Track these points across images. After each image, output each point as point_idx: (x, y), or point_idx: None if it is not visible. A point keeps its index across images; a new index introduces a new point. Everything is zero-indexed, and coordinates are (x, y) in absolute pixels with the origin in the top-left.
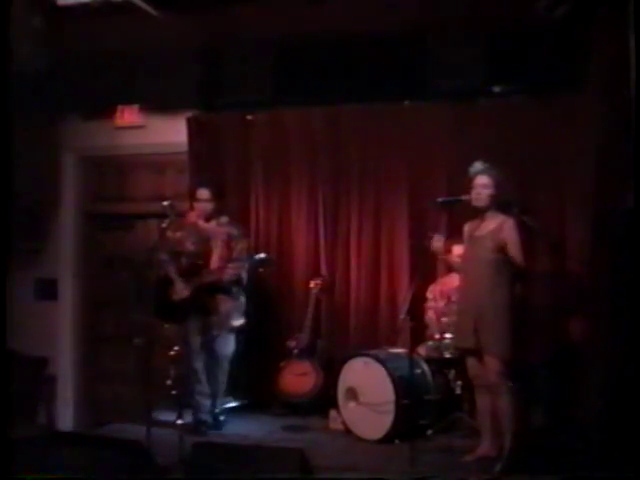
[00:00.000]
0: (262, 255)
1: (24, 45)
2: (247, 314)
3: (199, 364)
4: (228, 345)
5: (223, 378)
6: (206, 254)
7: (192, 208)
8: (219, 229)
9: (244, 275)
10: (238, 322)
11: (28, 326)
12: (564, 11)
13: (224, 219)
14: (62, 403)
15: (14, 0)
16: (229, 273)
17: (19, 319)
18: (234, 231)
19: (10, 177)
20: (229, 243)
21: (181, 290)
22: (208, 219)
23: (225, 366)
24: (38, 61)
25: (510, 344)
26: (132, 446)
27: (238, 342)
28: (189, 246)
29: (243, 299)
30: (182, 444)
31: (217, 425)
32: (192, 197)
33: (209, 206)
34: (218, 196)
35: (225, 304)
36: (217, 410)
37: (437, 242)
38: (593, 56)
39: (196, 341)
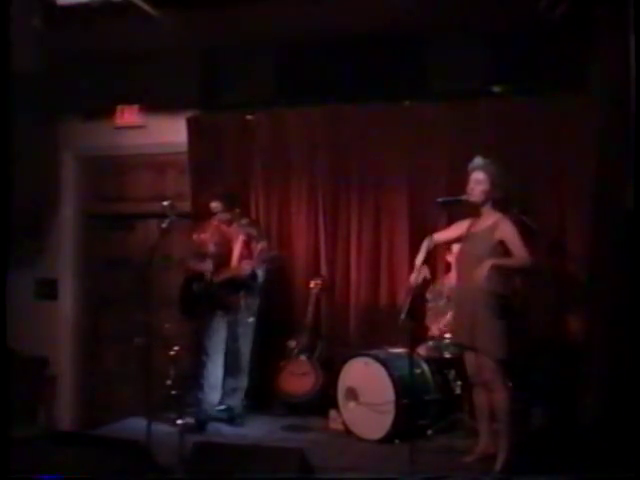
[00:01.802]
0: (272, 253)
1: (24, 45)
2: (257, 313)
3: (212, 362)
4: (249, 344)
5: (244, 380)
6: (227, 255)
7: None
8: (240, 230)
9: (260, 273)
10: (250, 320)
11: (28, 326)
12: (564, 11)
13: (244, 221)
14: (62, 403)
15: (14, 0)
16: (245, 268)
17: (19, 319)
18: (254, 232)
19: (10, 177)
20: (249, 244)
21: (208, 268)
22: (229, 224)
23: (247, 365)
24: (38, 61)
25: (504, 343)
26: (132, 446)
27: None
28: (212, 247)
29: (258, 299)
30: (182, 444)
31: (237, 423)
32: (207, 210)
33: (224, 216)
34: (230, 206)
35: (245, 300)
36: (236, 410)
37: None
38: (593, 56)
39: (217, 338)
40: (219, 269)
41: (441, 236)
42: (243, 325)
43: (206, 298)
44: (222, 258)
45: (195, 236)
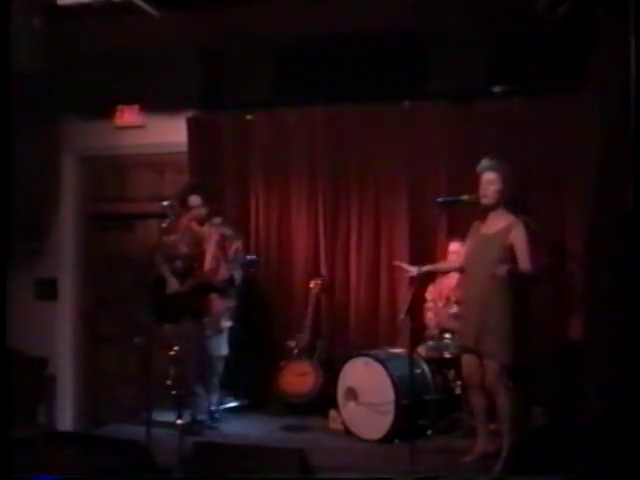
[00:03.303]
0: (250, 256)
1: (24, 45)
2: (237, 316)
3: (194, 364)
4: (220, 347)
5: (214, 379)
6: (200, 256)
7: (185, 212)
8: (212, 230)
9: (237, 276)
10: (226, 324)
11: (28, 326)
12: (564, 11)
13: (217, 220)
14: (62, 403)
15: (14, 0)
16: (221, 273)
17: (19, 319)
18: (227, 232)
19: (10, 177)
20: (222, 244)
21: (173, 286)
22: (202, 223)
23: (217, 367)
24: (38, 61)
25: (511, 348)
26: (132, 446)
27: (237, 343)
28: (183, 248)
29: (234, 301)
30: (182, 444)
31: (213, 424)
32: (184, 205)
33: (202, 211)
34: (209, 201)
35: (218, 305)
36: (213, 410)
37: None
38: (593, 56)
39: (190, 341)
40: (191, 271)
41: (442, 266)
42: (216, 330)
43: (180, 303)
44: (194, 259)
45: (165, 237)
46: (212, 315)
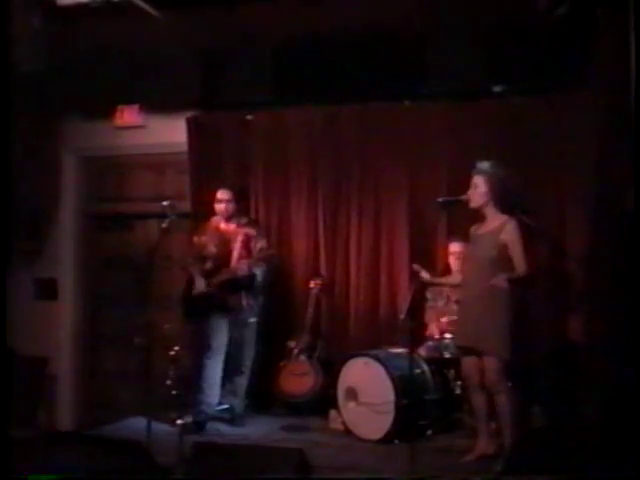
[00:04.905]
0: (267, 252)
1: (24, 45)
2: (260, 314)
3: (212, 363)
4: (253, 345)
5: (244, 380)
6: (227, 255)
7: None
8: (239, 230)
9: (258, 273)
10: (251, 320)
11: (28, 326)
12: (564, 11)
13: (244, 220)
14: (62, 403)
15: (14, 0)
16: (241, 268)
17: (19, 319)
18: (253, 231)
19: (10, 177)
20: (248, 243)
21: (199, 287)
22: (229, 219)
23: (249, 366)
24: (38, 61)
25: (510, 345)
26: (132, 446)
27: None
28: (212, 249)
29: (261, 299)
30: (182, 444)
31: (238, 424)
32: (211, 203)
33: (230, 207)
34: (239, 198)
35: (245, 301)
36: (237, 411)
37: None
38: (593, 56)
39: (218, 339)
40: (220, 270)
41: (445, 281)
42: (245, 326)
43: (206, 300)
44: (222, 259)
45: (196, 238)
46: (241, 311)
